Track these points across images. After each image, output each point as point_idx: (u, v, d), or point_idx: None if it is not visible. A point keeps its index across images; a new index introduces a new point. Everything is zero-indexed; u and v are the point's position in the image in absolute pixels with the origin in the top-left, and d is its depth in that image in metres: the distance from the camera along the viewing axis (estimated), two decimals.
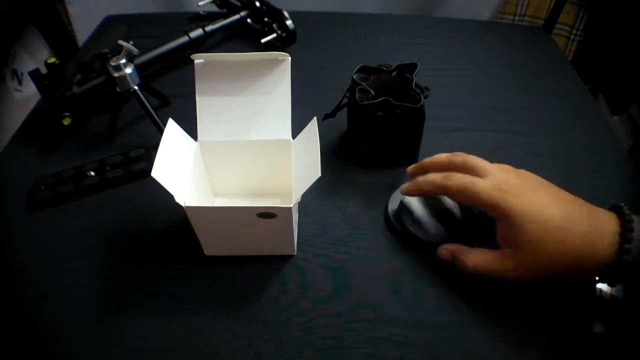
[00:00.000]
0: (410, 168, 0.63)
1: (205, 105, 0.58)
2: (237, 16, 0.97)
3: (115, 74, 0.71)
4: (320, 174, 0.47)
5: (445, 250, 0.57)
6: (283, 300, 0.56)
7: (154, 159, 0.49)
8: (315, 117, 0.54)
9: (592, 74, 1.10)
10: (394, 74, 0.70)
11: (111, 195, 0.68)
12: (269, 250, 0.60)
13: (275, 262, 0.60)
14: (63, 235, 0.63)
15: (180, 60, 0.91)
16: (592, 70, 1.13)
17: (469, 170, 0.55)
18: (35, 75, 0.69)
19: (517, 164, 0.73)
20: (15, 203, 0.67)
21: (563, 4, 1.02)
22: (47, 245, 0.62)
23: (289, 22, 0.92)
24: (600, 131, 0.80)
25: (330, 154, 0.74)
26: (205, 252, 0.60)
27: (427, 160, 0.61)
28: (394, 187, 0.68)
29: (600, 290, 0.55)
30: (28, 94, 1.12)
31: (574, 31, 1.24)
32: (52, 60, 0.70)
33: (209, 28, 0.92)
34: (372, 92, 0.65)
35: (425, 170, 0.60)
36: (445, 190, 0.56)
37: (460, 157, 0.58)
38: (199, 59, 0.57)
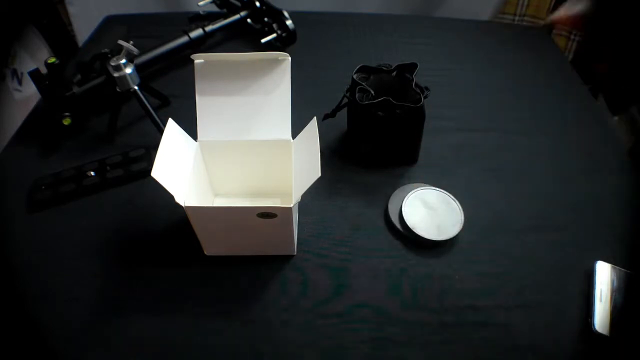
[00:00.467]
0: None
1: (205, 105, 0.58)
2: (237, 16, 0.97)
3: (115, 74, 0.71)
4: (320, 174, 0.47)
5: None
6: (283, 300, 0.56)
7: (154, 159, 0.49)
8: (315, 117, 0.54)
9: (592, 74, 1.10)
10: (394, 74, 0.70)
11: (111, 195, 0.68)
12: (269, 250, 0.60)
13: (275, 262, 0.60)
14: (63, 235, 0.63)
15: (180, 60, 0.91)
16: (592, 70, 1.13)
17: None
18: (35, 75, 0.69)
19: (517, 164, 0.73)
20: (15, 203, 0.67)
21: (563, 4, 1.02)
22: (47, 245, 0.62)
23: (289, 22, 0.92)
24: (600, 131, 0.80)
25: (330, 154, 0.74)
26: (205, 252, 0.60)
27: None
28: (394, 187, 0.68)
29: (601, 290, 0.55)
30: (28, 94, 1.12)
31: (574, 31, 1.24)
32: (52, 60, 0.70)
33: (209, 28, 0.92)
34: (372, 92, 0.65)
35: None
36: None
37: None
38: (199, 59, 0.57)
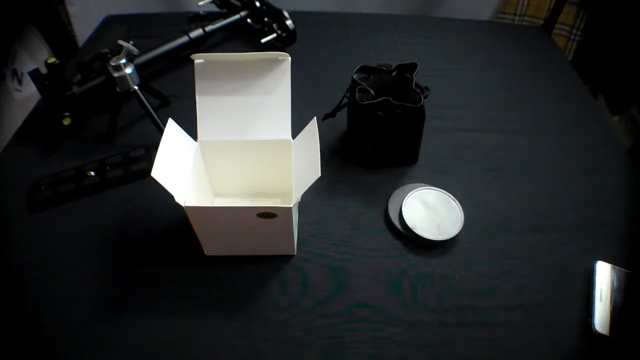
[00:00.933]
0: None
1: (205, 105, 0.58)
2: (237, 16, 0.97)
3: (115, 74, 0.71)
4: (320, 174, 0.47)
5: None
6: (283, 300, 0.56)
7: (154, 159, 0.49)
8: (315, 117, 0.54)
9: (592, 74, 1.10)
10: (394, 74, 0.70)
11: (111, 195, 0.68)
12: (269, 250, 0.60)
13: (275, 262, 0.60)
14: (63, 235, 0.63)
15: (180, 60, 0.91)
16: (592, 70, 1.13)
17: None
18: (35, 75, 0.69)
19: (517, 164, 0.73)
20: (15, 203, 0.67)
21: (563, 4, 1.03)
22: (47, 245, 0.62)
23: (289, 22, 0.92)
24: (600, 131, 0.80)
25: (330, 154, 0.74)
26: (205, 252, 0.60)
27: None
28: (394, 187, 0.68)
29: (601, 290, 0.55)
30: (28, 94, 1.12)
31: (574, 31, 1.24)
32: (52, 60, 0.70)
33: (209, 28, 0.92)
34: (372, 92, 0.65)
35: None
36: None
37: None
38: (199, 59, 0.57)
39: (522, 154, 0.75)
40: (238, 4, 1.00)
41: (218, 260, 0.59)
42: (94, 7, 1.20)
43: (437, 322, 0.54)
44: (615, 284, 0.56)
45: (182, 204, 0.50)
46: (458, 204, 0.64)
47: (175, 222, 0.64)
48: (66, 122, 0.73)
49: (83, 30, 1.27)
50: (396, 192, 0.67)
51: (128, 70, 0.72)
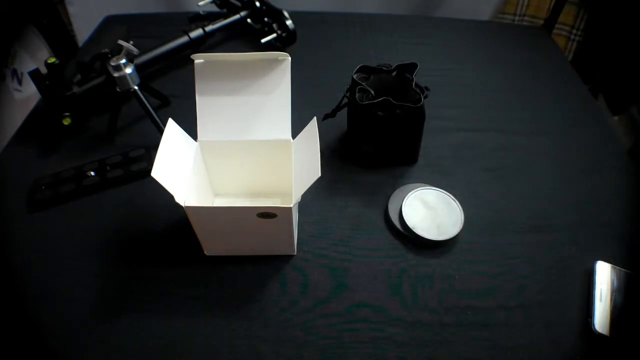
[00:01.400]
0: None
1: (205, 105, 0.58)
2: (237, 16, 0.97)
3: (115, 74, 0.71)
4: (320, 174, 0.47)
5: None
6: (283, 300, 0.56)
7: (154, 159, 0.49)
8: (315, 117, 0.54)
9: (592, 74, 1.10)
10: (394, 74, 0.70)
11: (111, 195, 0.68)
12: (269, 250, 0.60)
13: (275, 262, 0.60)
14: (63, 235, 0.63)
15: (180, 60, 0.91)
16: (592, 70, 1.13)
17: None
18: (35, 75, 0.69)
19: (517, 164, 0.73)
20: (15, 203, 0.67)
21: (563, 4, 1.02)
22: (47, 245, 0.62)
23: (289, 22, 0.92)
24: (600, 131, 0.80)
25: (330, 154, 0.74)
26: (205, 252, 0.60)
27: None
28: (394, 187, 0.68)
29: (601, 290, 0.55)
30: (28, 94, 1.12)
31: (574, 31, 1.24)
32: (52, 60, 0.70)
33: (209, 28, 0.92)
34: (372, 92, 0.65)
35: None
36: None
37: None
38: (199, 59, 0.57)
39: (522, 154, 0.75)
40: (238, 4, 1.00)
41: (218, 260, 0.59)
42: (94, 7, 1.20)
43: (437, 322, 0.54)
44: (615, 284, 0.56)
45: (182, 204, 0.50)
46: (458, 204, 0.64)
47: (175, 222, 0.64)
48: (66, 122, 0.73)
49: (83, 30, 1.27)
50: (396, 192, 0.67)
51: (128, 70, 0.72)
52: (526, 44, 1.01)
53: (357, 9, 1.20)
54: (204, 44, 0.93)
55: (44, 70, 0.70)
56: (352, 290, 0.57)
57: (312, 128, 0.54)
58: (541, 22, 1.24)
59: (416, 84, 0.67)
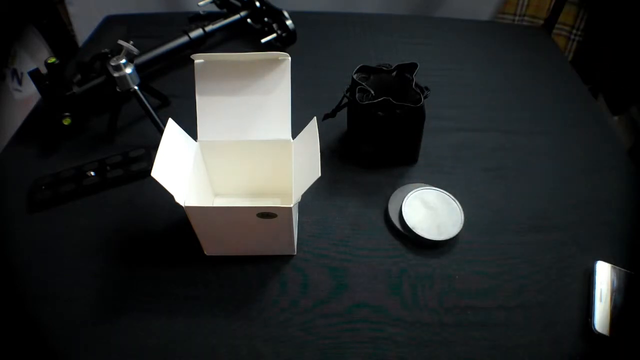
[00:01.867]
0: None
1: (205, 105, 0.58)
2: (237, 16, 0.97)
3: (115, 74, 0.71)
4: (320, 174, 0.47)
5: None
6: (283, 300, 0.56)
7: (154, 159, 0.49)
8: (315, 117, 0.54)
9: (592, 74, 1.10)
10: (394, 74, 0.70)
11: (111, 195, 0.68)
12: (269, 250, 0.60)
13: (275, 262, 0.60)
14: (63, 235, 0.63)
15: (180, 60, 0.91)
16: (592, 70, 1.13)
17: None
18: (35, 75, 0.69)
19: (517, 164, 0.73)
20: (15, 203, 0.67)
21: (563, 3, 1.02)
22: (47, 245, 0.62)
23: (289, 22, 0.92)
24: (600, 131, 0.80)
25: (330, 154, 0.74)
26: (205, 252, 0.60)
27: None
28: (394, 187, 0.68)
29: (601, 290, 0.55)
30: (28, 94, 1.12)
31: (574, 31, 1.24)
32: (52, 60, 0.70)
33: (209, 28, 0.92)
34: (372, 92, 0.65)
35: None
36: None
37: None
38: (199, 59, 0.57)
39: (522, 154, 0.75)
40: (238, 4, 1.00)
41: (218, 260, 0.59)
42: (94, 7, 1.20)
43: (437, 322, 0.54)
44: (615, 284, 0.56)
45: (182, 204, 0.50)
46: (458, 204, 0.64)
47: (175, 222, 0.64)
48: (66, 122, 0.73)
49: (83, 30, 1.27)
50: (396, 192, 0.67)
51: (128, 70, 0.72)
52: (526, 44, 1.01)
53: (357, 9, 1.20)
54: (204, 44, 0.93)
55: (44, 70, 0.70)
56: (352, 290, 0.57)
57: (312, 128, 0.54)
58: (541, 22, 1.24)
59: (416, 84, 0.67)
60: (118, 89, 0.73)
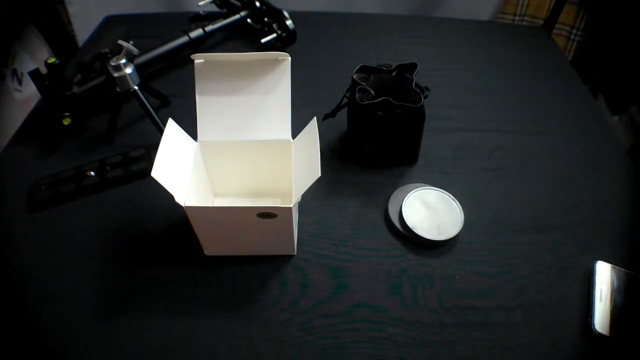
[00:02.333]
0: None
1: (205, 105, 0.58)
2: (237, 16, 0.97)
3: (115, 74, 0.71)
4: (320, 174, 0.47)
5: None
6: (283, 300, 0.56)
7: (154, 159, 0.49)
8: (315, 117, 0.54)
9: (592, 74, 1.10)
10: (394, 74, 0.70)
11: (111, 195, 0.68)
12: (269, 250, 0.60)
13: (275, 262, 0.60)
14: (63, 235, 0.63)
15: (180, 60, 0.91)
16: (592, 70, 1.13)
17: None
18: (35, 75, 0.69)
19: (517, 164, 0.73)
20: (15, 203, 0.67)
21: (563, 4, 1.02)
22: (47, 245, 0.62)
23: (289, 22, 0.92)
24: (600, 131, 0.80)
25: (330, 154, 0.74)
26: (205, 252, 0.60)
27: None
28: (394, 187, 0.68)
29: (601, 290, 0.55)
30: (28, 94, 1.12)
31: (574, 31, 1.24)
32: (52, 60, 0.70)
33: (209, 28, 0.92)
34: (372, 92, 0.65)
35: None
36: None
37: None
38: (199, 59, 0.57)
39: (522, 154, 0.75)
40: (238, 4, 1.00)
41: (218, 260, 0.59)
42: (94, 7, 1.20)
43: (437, 322, 0.54)
44: (615, 284, 0.56)
45: (182, 204, 0.50)
46: (458, 204, 0.64)
47: (175, 222, 0.64)
48: (66, 122, 0.73)
49: (83, 30, 1.27)
50: (396, 192, 0.67)
51: (128, 70, 0.72)
52: (526, 44, 1.01)
53: (357, 9, 1.20)
54: (204, 44, 0.93)
55: (44, 70, 0.70)
56: (352, 290, 0.57)
57: (312, 128, 0.54)
58: (541, 22, 1.25)
59: (416, 84, 0.67)
60: (118, 89, 0.73)
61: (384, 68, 0.70)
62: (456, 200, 0.64)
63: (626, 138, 1.10)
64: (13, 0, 1.08)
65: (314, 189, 0.48)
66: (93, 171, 0.69)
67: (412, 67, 0.68)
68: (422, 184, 0.68)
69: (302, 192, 0.49)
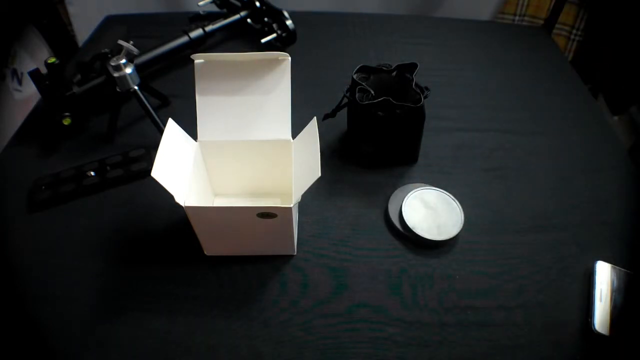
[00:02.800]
0: None
1: (205, 105, 0.58)
2: (237, 16, 0.97)
3: (115, 74, 0.71)
4: (320, 174, 0.47)
5: None
6: (283, 300, 0.56)
7: (154, 159, 0.49)
8: (315, 117, 0.54)
9: (592, 74, 1.10)
10: (394, 74, 0.70)
11: (111, 195, 0.68)
12: (269, 250, 0.60)
13: (275, 262, 0.60)
14: (63, 235, 0.63)
15: (180, 60, 0.91)
16: (592, 70, 1.13)
17: None
18: (35, 75, 0.69)
19: (517, 164, 0.73)
20: (15, 203, 0.67)
21: (563, 4, 1.02)
22: (47, 245, 0.62)
23: (289, 22, 0.92)
24: (600, 131, 0.80)
25: (330, 154, 0.74)
26: (205, 252, 0.60)
27: None
28: (394, 187, 0.68)
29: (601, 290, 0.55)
30: (28, 94, 1.12)
31: (574, 31, 1.24)
32: (52, 60, 0.70)
33: (209, 28, 0.92)
34: (372, 92, 0.65)
35: None
36: None
37: None
38: (199, 59, 0.57)
39: (522, 154, 0.75)
40: (238, 4, 1.00)
41: (218, 260, 0.59)
42: (94, 7, 1.20)
43: (437, 322, 0.54)
44: (615, 284, 0.56)
45: (182, 204, 0.50)
46: (458, 204, 0.64)
47: (175, 222, 0.64)
48: (66, 122, 0.73)
49: (83, 30, 1.27)
50: (396, 192, 0.67)
51: (128, 70, 0.72)
52: (526, 44, 1.01)
53: (357, 9, 1.20)
54: (204, 44, 0.93)
55: (44, 70, 0.70)
56: (352, 290, 0.57)
57: (312, 128, 0.54)
58: (541, 22, 1.24)
59: (416, 84, 0.67)
60: (118, 89, 0.73)
61: (384, 68, 0.70)
62: (456, 200, 0.64)
63: (626, 138, 1.10)
64: (13, 0, 1.08)
65: (314, 189, 0.48)
66: (93, 171, 0.69)
67: (412, 67, 0.68)
68: (422, 184, 0.68)
69: (302, 192, 0.49)
